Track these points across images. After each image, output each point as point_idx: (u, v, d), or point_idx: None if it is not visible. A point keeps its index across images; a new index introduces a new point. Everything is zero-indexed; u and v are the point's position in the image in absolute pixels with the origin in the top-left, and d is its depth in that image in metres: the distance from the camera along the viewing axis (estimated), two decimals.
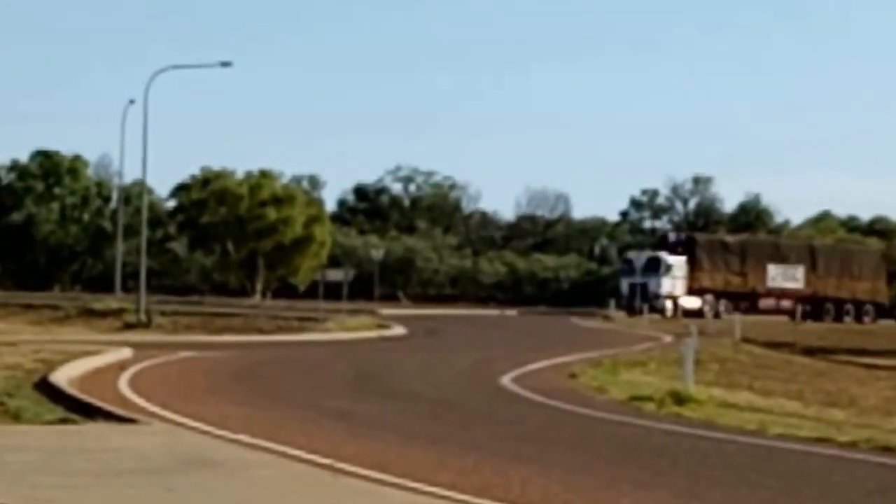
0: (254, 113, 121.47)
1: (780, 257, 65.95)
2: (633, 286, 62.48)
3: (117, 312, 46.43)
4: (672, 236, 67.45)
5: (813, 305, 65.23)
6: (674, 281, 62.29)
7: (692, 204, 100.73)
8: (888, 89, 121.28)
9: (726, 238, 68.66)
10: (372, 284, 62.22)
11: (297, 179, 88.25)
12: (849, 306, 65.93)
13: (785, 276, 65.22)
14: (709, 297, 62.60)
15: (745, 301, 62.80)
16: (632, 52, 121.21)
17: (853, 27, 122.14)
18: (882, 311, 67.17)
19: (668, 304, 61.46)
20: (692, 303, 62.20)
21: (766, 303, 64.27)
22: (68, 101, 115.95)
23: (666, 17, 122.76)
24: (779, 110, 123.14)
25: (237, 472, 10.54)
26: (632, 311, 60.37)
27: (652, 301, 60.51)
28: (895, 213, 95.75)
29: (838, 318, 64.62)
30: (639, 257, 64.62)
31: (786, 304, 64.68)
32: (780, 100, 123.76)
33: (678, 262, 62.76)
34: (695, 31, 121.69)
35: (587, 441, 14.90)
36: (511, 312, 63.42)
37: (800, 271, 65.80)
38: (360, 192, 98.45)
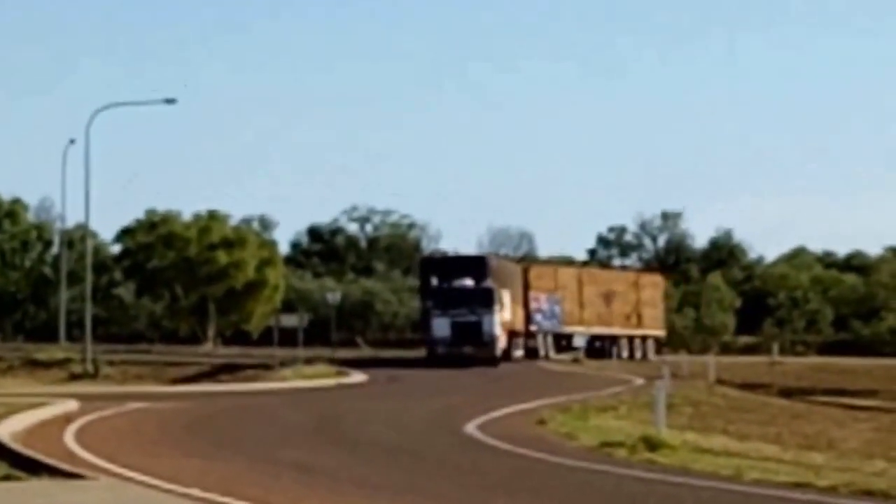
0: (201, 152, 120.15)
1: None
2: (458, 326, 47.72)
3: (62, 363, 45.51)
4: (493, 259, 54.23)
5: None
6: (501, 317, 48.91)
7: (662, 241, 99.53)
8: (862, 121, 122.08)
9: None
10: (329, 329, 61.42)
11: (247, 221, 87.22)
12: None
13: None
14: None
15: None
16: (595, 86, 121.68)
17: (826, 58, 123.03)
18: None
19: (501, 347, 48.54)
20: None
21: None
22: (5, 141, 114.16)
23: (629, 50, 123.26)
24: (751, 142, 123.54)
25: None
26: (455, 358, 46.64)
27: (486, 345, 47.47)
28: (872, 247, 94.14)
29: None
30: (462, 286, 48.82)
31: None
32: (751, 132, 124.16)
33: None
34: (659, 63, 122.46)
35: (556, 490, 14.55)
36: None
37: None
38: (314, 233, 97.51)
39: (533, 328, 53.11)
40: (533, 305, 53.47)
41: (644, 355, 58.91)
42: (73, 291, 64.69)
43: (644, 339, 60.46)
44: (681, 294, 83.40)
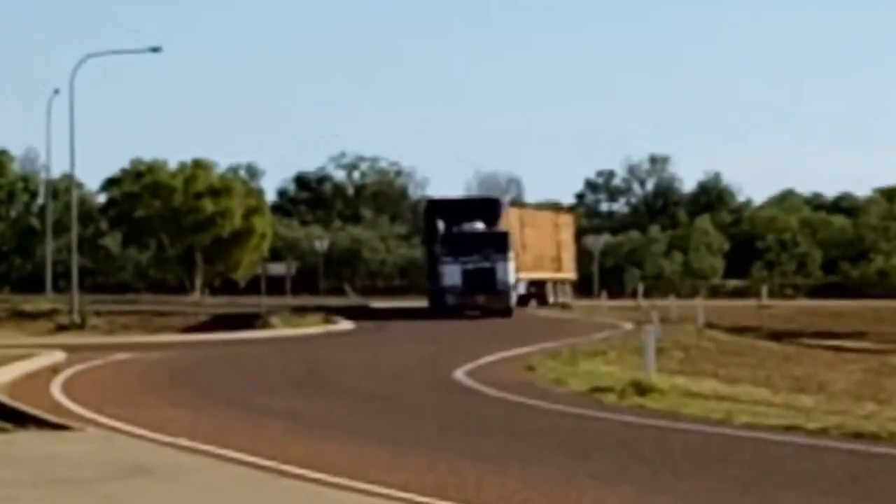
0: (186, 100, 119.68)
1: None
2: (470, 274, 44.85)
3: (49, 314, 45.40)
4: (505, 202, 52.40)
5: None
6: (515, 264, 46.40)
7: (650, 185, 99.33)
8: (850, 64, 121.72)
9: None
10: (316, 278, 61.34)
11: (233, 169, 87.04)
12: None
13: None
14: None
15: None
16: (583, 29, 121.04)
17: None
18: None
19: (515, 296, 46.53)
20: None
21: None
22: None
23: None
24: (740, 86, 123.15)
25: (175, 478, 10.40)
26: (467, 308, 44.61)
27: (501, 294, 44.76)
28: (861, 189, 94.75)
29: None
30: (474, 231, 46.13)
31: None
32: (740, 75, 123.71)
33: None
34: (648, 7, 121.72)
35: (546, 435, 14.54)
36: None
37: None
38: (301, 180, 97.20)
39: None
40: None
41: (564, 302, 55.58)
42: (59, 242, 64.47)
43: (563, 283, 57.47)
44: (669, 238, 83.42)
